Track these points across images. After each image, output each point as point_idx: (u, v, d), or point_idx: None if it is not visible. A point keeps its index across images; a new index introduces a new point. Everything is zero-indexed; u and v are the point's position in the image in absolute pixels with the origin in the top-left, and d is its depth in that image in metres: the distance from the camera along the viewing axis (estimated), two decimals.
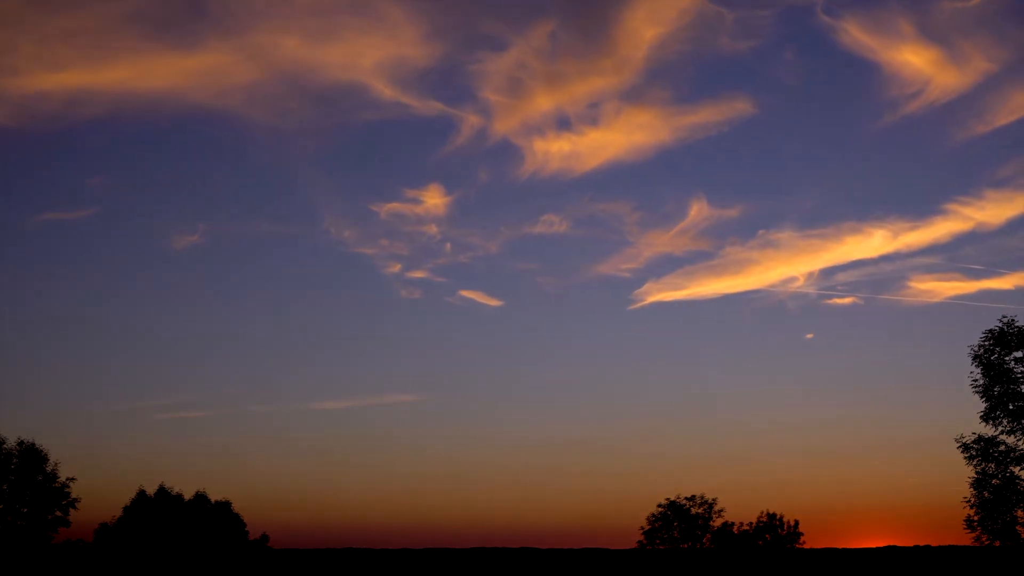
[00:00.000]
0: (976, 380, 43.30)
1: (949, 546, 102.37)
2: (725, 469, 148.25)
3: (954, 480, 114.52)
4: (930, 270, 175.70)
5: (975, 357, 43.24)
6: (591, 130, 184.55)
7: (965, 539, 43.50)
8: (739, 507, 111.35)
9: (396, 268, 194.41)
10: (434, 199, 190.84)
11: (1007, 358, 42.75)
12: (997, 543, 42.40)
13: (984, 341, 43.24)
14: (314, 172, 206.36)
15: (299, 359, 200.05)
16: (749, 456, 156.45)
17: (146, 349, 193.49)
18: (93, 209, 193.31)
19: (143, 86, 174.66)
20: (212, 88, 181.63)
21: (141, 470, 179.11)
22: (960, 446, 43.22)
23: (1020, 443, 42.30)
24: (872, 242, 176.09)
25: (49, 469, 66.30)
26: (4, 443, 65.59)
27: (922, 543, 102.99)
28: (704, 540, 78.15)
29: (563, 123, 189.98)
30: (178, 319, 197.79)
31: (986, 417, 43.01)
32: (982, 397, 43.22)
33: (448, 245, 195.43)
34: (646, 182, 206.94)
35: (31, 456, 65.94)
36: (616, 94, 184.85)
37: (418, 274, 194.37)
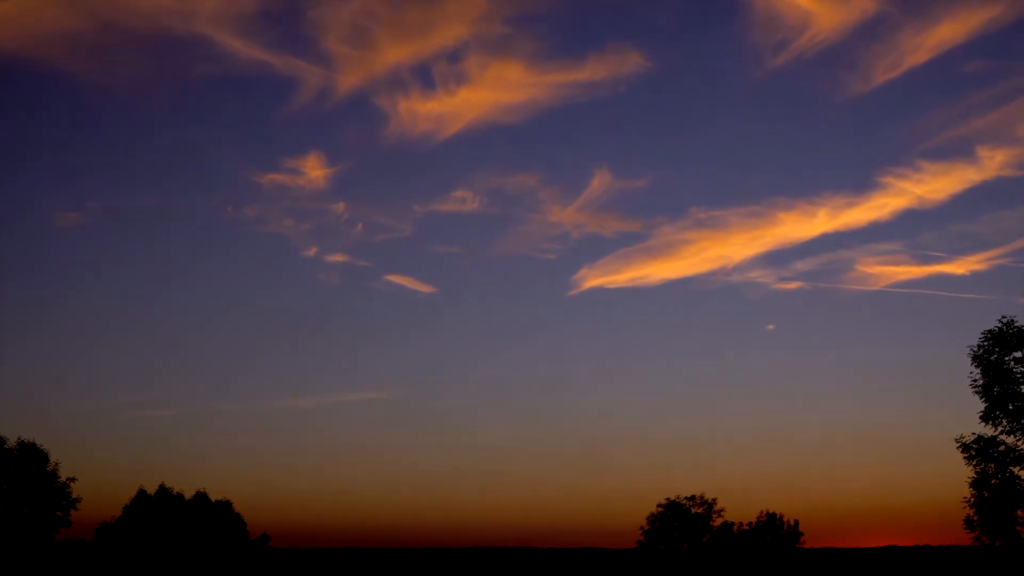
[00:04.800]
0: (975, 380, 43.34)
1: (949, 546, 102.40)
2: (721, 468, 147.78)
3: (954, 480, 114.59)
4: (878, 254, 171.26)
5: (974, 357, 43.23)
6: (460, 89, 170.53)
7: (965, 539, 43.58)
8: (739, 507, 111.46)
9: (312, 251, 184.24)
10: (315, 170, 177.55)
11: (1006, 358, 42.76)
12: (997, 543, 42.43)
13: (983, 341, 43.28)
14: (170, 137, 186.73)
15: (235, 354, 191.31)
16: (748, 456, 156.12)
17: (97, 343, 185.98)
18: None
19: None
20: (21, 36, 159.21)
21: (123, 469, 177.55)
22: (960, 446, 43.23)
23: (1020, 443, 42.32)
24: (814, 221, 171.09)
25: (49, 469, 66.35)
26: (4, 443, 65.64)
27: (922, 543, 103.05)
28: (704, 540, 78.18)
29: (427, 81, 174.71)
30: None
31: (985, 417, 43.03)
32: (981, 397, 43.25)
33: (360, 226, 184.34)
34: (542, 148, 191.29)
35: (31, 456, 65.93)
36: (478, 45, 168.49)
37: (337, 258, 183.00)
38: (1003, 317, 43.28)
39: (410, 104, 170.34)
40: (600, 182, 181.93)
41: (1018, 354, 42.57)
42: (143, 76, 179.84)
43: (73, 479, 66.99)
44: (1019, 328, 42.68)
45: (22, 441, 66.08)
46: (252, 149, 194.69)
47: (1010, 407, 42.33)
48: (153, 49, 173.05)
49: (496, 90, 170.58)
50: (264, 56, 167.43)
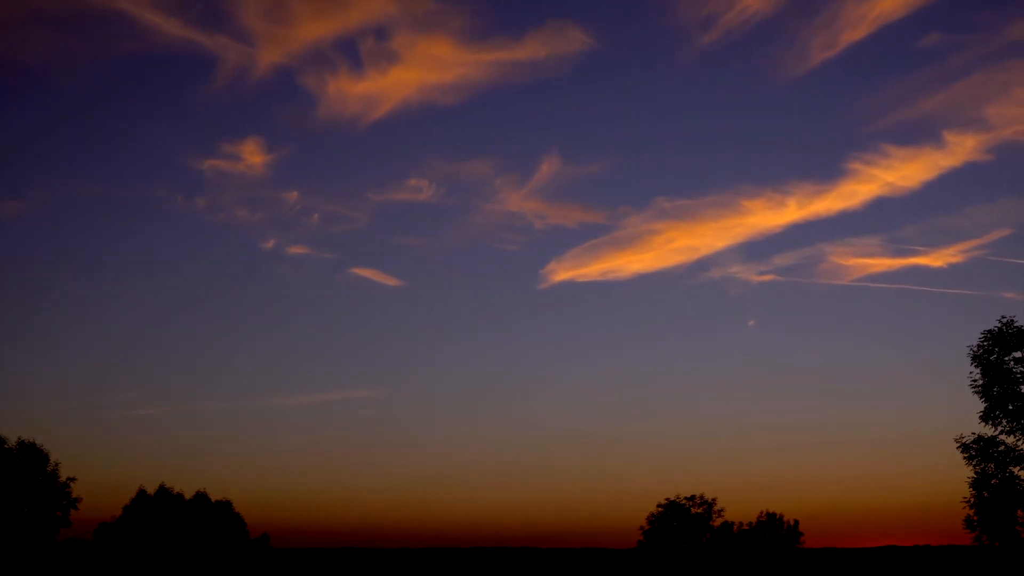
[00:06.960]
0: (975, 380, 43.36)
1: (949, 546, 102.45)
2: (716, 468, 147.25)
3: (954, 480, 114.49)
4: (853, 245, 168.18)
5: (974, 357, 43.26)
6: (390, 68, 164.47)
7: (965, 539, 43.60)
8: (739, 507, 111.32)
9: (271, 243, 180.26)
10: (255, 156, 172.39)
11: (1006, 358, 42.77)
12: (997, 543, 42.43)
13: (983, 341, 43.31)
14: (97, 120, 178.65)
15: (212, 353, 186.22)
16: (746, 455, 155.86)
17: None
18: None
19: None
20: None
21: (123, 469, 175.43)
22: (960, 446, 43.25)
23: (1020, 443, 42.33)
24: (783, 211, 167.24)
25: (49, 469, 66.33)
26: (5, 443, 65.66)
27: (922, 543, 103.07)
28: (704, 540, 78.17)
29: (354, 60, 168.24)
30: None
31: (985, 417, 43.04)
32: (981, 397, 43.26)
33: (316, 216, 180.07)
34: (487, 131, 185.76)
35: (32, 456, 65.93)
36: (406, 22, 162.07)
37: (298, 250, 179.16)
38: (1003, 317, 43.41)
39: (339, 84, 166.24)
40: (550, 167, 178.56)
41: (1018, 354, 42.60)
42: (59, 54, 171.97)
43: (73, 479, 67.21)
44: (1019, 328, 42.72)
45: (22, 441, 66.21)
46: (186, 133, 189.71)
47: (1010, 407, 42.34)
48: (68, 25, 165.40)
49: (429, 69, 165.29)
50: (185, 33, 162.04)
